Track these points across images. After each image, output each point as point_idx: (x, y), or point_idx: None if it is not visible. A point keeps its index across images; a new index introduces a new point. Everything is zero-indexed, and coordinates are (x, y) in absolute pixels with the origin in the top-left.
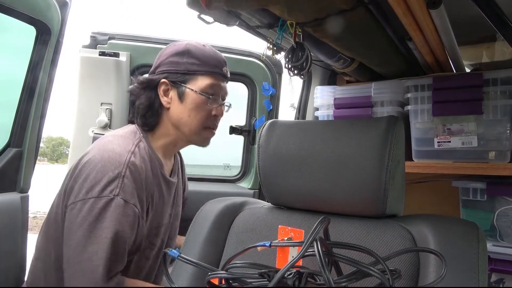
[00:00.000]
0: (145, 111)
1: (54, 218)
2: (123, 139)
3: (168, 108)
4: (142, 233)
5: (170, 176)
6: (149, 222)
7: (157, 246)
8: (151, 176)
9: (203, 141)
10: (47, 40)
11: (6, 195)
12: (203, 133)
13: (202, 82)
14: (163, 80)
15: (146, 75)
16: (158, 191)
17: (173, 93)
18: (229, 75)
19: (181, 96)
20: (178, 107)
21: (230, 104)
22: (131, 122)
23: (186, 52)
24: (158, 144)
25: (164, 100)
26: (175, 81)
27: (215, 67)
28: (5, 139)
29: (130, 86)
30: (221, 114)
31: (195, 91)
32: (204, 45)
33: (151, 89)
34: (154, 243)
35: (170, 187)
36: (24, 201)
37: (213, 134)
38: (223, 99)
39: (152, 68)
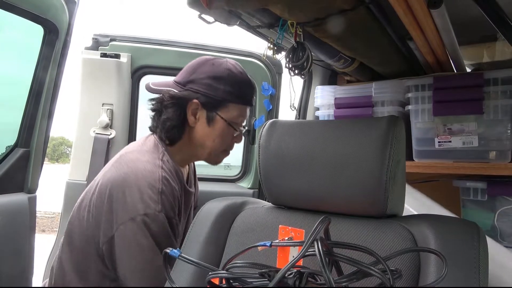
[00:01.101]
0: (170, 125)
1: (85, 239)
2: (149, 155)
3: (193, 127)
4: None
5: (187, 185)
6: (179, 231)
7: None
8: (177, 188)
9: (217, 162)
10: (54, 39)
11: (13, 196)
12: (220, 155)
13: (233, 112)
14: (195, 100)
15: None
16: (180, 201)
17: (201, 114)
18: (254, 103)
19: (210, 121)
20: (204, 130)
21: (246, 127)
22: (152, 131)
23: (224, 78)
24: (176, 157)
25: (191, 119)
26: (206, 103)
27: (247, 97)
28: (12, 139)
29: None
30: (240, 141)
31: (225, 120)
32: (241, 72)
33: (180, 105)
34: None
35: (189, 196)
36: (32, 201)
37: (227, 155)
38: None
39: (181, 79)
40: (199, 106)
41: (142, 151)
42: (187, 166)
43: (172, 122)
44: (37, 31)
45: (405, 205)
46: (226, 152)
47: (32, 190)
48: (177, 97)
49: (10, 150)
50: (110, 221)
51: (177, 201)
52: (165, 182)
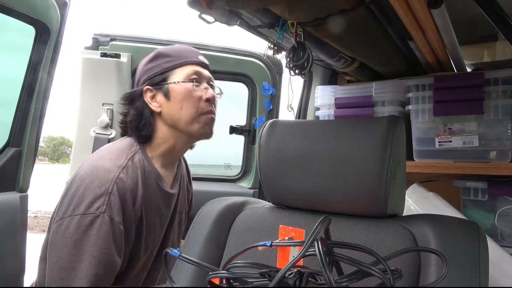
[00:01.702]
0: (138, 122)
1: None
2: (117, 153)
3: (160, 112)
4: (127, 250)
5: (171, 187)
6: (144, 236)
7: (150, 257)
8: (145, 191)
9: (204, 129)
10: (46, 39)
11: (5, 195)
12: (200, 119)
13: (181, 73)
14: (146, 87)
15: None
16: (153, 204)
17: (159, 96)
18: (207, 62)
19: (167, 94)
20: (168, 106)
21: (221, 90)
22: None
23: (157, 56)
24: (156, 153)
25: (153, 106)
26: (156, 83)
27: (189, 57)
28: (4, 139)
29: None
30: (213, 97)
31: (178, 82)
32: (172, 46)
33: (137, 101)
34: (146, 254)
35: (168, 198)
36: (23, 200)
37: (212, 118)
38: (210, 85)
39: (135, 86)
40: (152, 90)
41: (112, 149)
42: (174, 167)
43: (135, 116)
44: (29, 31)
45: (413, 204)
46: (207, 117)
47: (23, 189)
48: (129, 94)
49: (2, 149)
50: (56, 213)
51: (135, 205)
52: (118, 184)
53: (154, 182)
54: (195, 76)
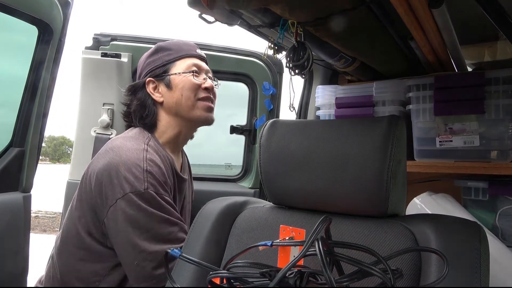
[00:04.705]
0: (142, 112)
1: (76, 233)
2: (134, 140)
3: (162, 102)
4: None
5: (180, 172)
6: None
7: None
8: (166, 171)
9: (204, 113)
10: (49, 39)
11: (8, 195)
12: (200, 104)
13: (181, 65)
14: (148, 79)
15: None
16: (172, 186)
17: (161, 87)
18: (204, 55)
19: (168, 85)
20: (170, 95)
21: (218, 81)
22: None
23: (158, 49)
24: (164, 140)
25: (156, 96)
26: (158, 74)
27: (188, 50)
28: (7, 139)
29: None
30: (211, 86)
31: (178, 73)
32: (171, 41)
33: (140, 92)
34: None
35: (181, 183)
36: (27, 200)
37: (210, 106)
38: (208, 77)
39: (137, 79)
40: (154, 81)
41: (127, 138)
42: (180, 155)
43: (139, 106)
44: (32, 31)
45: (421, 205)
46: (206, 103)
47: (27, 189)
48: (131, 85)
49: (5, 150)
50: (101, 205)
51: (168, 183)
52: (150, 163)
53: (169, 165)
54: (194, 68)
